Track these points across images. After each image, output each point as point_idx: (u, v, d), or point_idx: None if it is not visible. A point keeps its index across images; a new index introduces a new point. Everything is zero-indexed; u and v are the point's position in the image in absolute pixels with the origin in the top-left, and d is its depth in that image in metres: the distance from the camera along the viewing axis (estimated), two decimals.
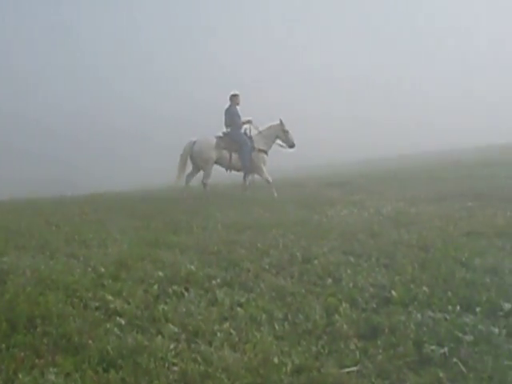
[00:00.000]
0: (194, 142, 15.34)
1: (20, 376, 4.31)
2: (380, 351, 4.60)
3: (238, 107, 15.84)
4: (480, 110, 78.93)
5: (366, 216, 10.52)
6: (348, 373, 4.33)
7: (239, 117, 15.62)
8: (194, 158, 15.31)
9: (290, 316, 5.41)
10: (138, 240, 8.76)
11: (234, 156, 15.28)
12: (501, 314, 5.17)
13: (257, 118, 16.05)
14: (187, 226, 9.93)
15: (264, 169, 15.48)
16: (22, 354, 4.69)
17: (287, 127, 15.67)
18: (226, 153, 15.24)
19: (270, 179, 15.35)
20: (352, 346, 4.73)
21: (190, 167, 15.44)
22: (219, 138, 15.51)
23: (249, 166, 15.40)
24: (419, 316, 5.19)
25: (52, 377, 4.29)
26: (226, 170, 15.65)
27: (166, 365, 4.46)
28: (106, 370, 4.42)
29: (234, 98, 15.94)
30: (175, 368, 4.39)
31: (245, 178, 16.00)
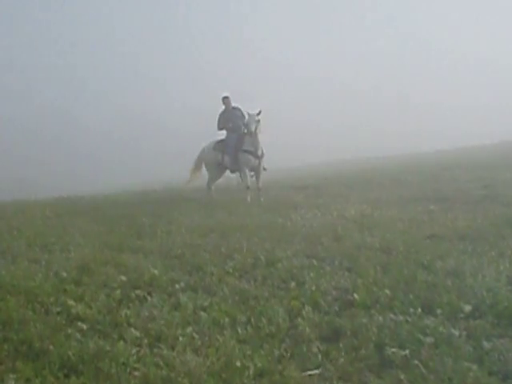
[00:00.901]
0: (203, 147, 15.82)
1: None
2: (342, 354, 4.62)
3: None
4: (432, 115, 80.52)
5: (329, 219, 10.58)
6: (310, 376, 4.35)
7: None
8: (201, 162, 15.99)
9: (253, 319, 5.40)
10: (102, 244, 8.70)
11: (225, 157, 15.34)
12: (461, 316, 5.23)
13: None
14: (151, 230, 9.89)
15: (246, 171, 15.35)
16: None
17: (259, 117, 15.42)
18: (219, 155, 15.36)
19: (247, 184, 15.24)
20: (314, 349, 4.75)
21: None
22: (218, 141, 15.73)
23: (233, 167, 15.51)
24: (381, 319, 5.23)
25: (12, 383, 4.24)
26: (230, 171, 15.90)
27: (128, 370, 4.43)
28: (66, 376, 4.39)
29: (226, 100, 15.92)
30: (137, 373, 4.37)
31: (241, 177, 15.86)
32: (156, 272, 6.86)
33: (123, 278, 6.68)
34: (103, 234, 9.86)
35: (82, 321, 5.41)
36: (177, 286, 6.45)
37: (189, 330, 5.19)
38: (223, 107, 15.96)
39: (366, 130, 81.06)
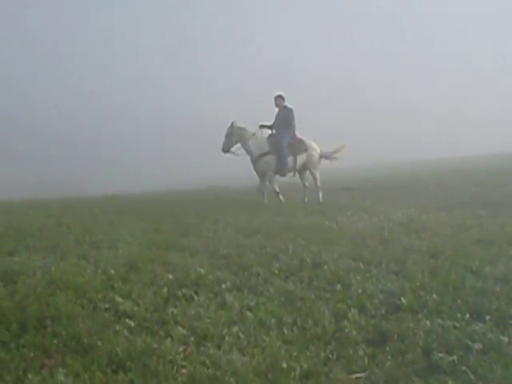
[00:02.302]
0: None
1: (29, 376, 4.34)
2: (388, 358, 4.59)
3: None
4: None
5: (376, 222, 10.51)
6: (356, 379, 4.34)
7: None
8: None
9: (299, 321, 5.41)
10: (148, 242, 8.78)
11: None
12: (511, 322, 5.15)
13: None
14: (197, 230, 9.94)
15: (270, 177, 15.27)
16: (32, 354, 4.71)
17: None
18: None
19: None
20: (360, 352, 4.73)
21: None
22: None
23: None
24: (428, 323, 5.18)
25: (61, 377, 4.30)
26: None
27: (175, 367, 4.46)
28: (114, 372, 4.44)
29: (276, 99, 15.68)
30: (184, 371, 4.40)
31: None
32: (202, 271, 6.89)
33: (170, 276, 6.72)
34: (150, 232, 9.95)
35: (130, 318, 5.46)
36: (223, 285, 6.47)
37: (235, 329, 5.21)
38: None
39: (399, 135, 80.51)
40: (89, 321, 5.33)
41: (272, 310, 5.66)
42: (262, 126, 15.30)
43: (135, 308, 5.69)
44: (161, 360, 4.54)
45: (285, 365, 4.49)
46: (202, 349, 4.83)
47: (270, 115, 15.34)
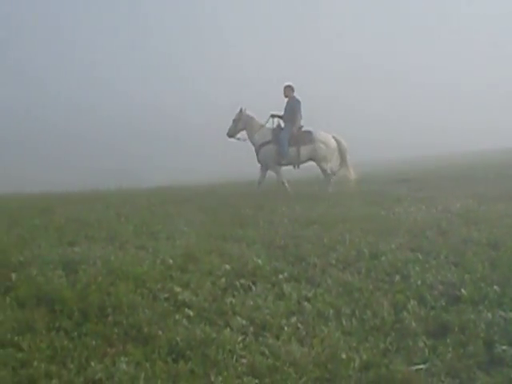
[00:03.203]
0: None
1: (92, 364, 4.43)
2: (449, 350, 4.56)
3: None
4: None
5: (434, 213, 10.36)
6: (417, 370, 4.32)
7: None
8: None
9: (357, 312, 5.41)
10: (206, 233, 8.83)
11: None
12: None
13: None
14: (253, 220, 9.94)
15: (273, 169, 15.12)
16: (94, 342, 4.82)
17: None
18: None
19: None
20: (420, 344, 4.70)
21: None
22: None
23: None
24: (490, 315, 5.12)
25: (123, 366, 4.38)
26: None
27: (235, 357, 4.51)
28: (175, 361, 4.51)
29: (285, 89, 15.41)
30: (244, 360, 4.43)
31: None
32: (260, 262, 6.91)
33: (227, 266, 6.76)
34: (206, 222, 10.00)
35: (189, 307, 5.53)
36: (280, 276, 6.48)
37: (293, 320, 5.24)
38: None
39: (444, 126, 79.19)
40: (149, 310, 5.42)
41: (330, 301, 5.66)
42: (273, 116, 15.13)
43: (194, 298, 5.75)
44: (220, 349, 4.60)
45: (344, 356, 4.50)
46: (260, 339, 4.87)
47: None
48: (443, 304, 5.51)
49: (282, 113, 15.13)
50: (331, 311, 5.41)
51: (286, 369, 4.32)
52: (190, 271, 6.65)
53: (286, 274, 6.53)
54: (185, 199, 13.64)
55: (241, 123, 14.91)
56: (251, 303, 5.61)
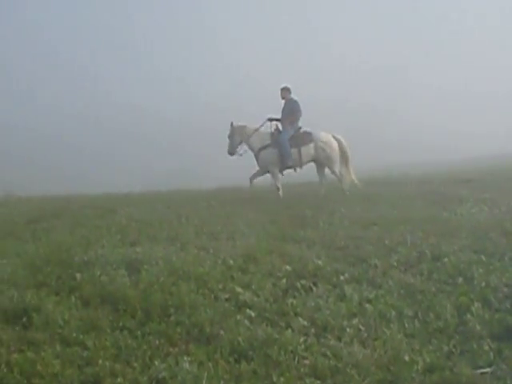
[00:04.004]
0: None
1: (156, 363, 4.49)
2: None
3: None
4: None
5: (497, 214, 10.16)
6: (482, 374, 4.25)
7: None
8: None
9: (420, 314, 5.36)
10: (265, 234, 8.86)
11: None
12: None
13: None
14: (313, 221, 9.92)
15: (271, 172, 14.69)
16: (157, 341, 4.89)
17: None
18: None
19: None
20: (485, 347, 4.63)
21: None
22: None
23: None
24: None
25: (186, 365, 4.43)
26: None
27: (296, 358, 4.52)
28: (237, 361, 4.54)
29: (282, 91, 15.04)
30: (306, 361, 4.43)
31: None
32: (320, 263, 6.90)
33: (288, 267, 6.77)
34: (266, 223, 10.00)
35: (250, 308, 5.56)
36: (341, 277, 6.46)
37: (355, 321, 5.22)
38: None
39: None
40: (210, 310, 5.47)
41: (392, 303, 5.62)
42: (270, 119, 14.87)
43: (255, 298, 5.78)
44: (282, 350, 4.61)
45: (407, 358, 4.47)
46: (322, 340, 4.87)
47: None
48: (508, 307, 5.42)
49: (279, 115, 14.84)
50: (393, 313, 5.37)
51: (349, 370, 4.31)
52: (250, 272, 6.69)
53: (346, 276, 6.50)
54: (243, 199, 13.68)
55: (236, 136, 14.63)
56: (312, 304, 5.61)
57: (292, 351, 4.61)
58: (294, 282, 6.31)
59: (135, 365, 4.52)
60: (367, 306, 5.58)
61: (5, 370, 4.40)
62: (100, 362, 4.52)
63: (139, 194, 15.86)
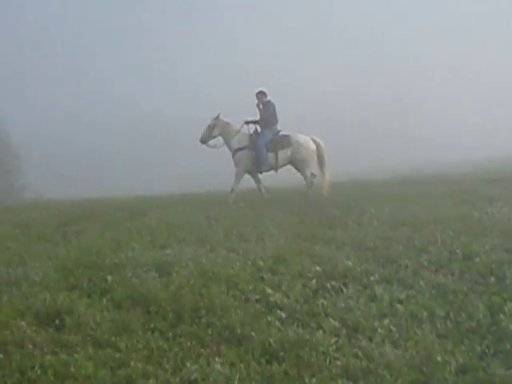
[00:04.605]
0: None
1: (188, 364, 4.51)
2: None
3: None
4: None
5: None
6: None
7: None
8: None
9: (451, 314, 5.31)
10: (294, 235, 8.84)
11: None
12: None
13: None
14: (342, 222, 9.89)
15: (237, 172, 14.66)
16: (189, 343, 4.91)
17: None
18: None
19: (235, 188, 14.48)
20: None
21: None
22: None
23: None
24: None
25: (218, 366, 4.45)
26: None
27: (328, 359, 4.51)
28: (268, 362, 4.55)
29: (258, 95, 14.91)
30: (338, 362, 4.43)
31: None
32: (350, 263, 6.88)
33: (318, 268, 6.76)
34: (295, 224, 9.99)
35: (281, 309, 5.57)
36: (371, 277, 6.44)
37: (386, 322, 5.19)
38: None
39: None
40: (241, 312, 5.48)
41: (423, 303, 5.58)
42: (247, 122, 14.72)
43: (285, 299, 5.79)
44: (313, 351, 4.61)
45: (439, 358, 4.44)
46: (353, 341, 4.86)
47: None
48: None
49: (256, 118, 14.79)
50: (425, 313, 5.33)
51: (381, 371, 4.29)
52: (280, 273, 6.69)
53: (376, 276, 6.48)
54: (272, 200, 13.69)
55: (216, 129, 14.51)
56: (343, 305, 5.60)
57: (323, 352, 4.61)
58: (324, 282, 6.30)
59: (167, 366, 4.55)
60: (398, 306, 5.55)
61: (39, 372, 4.46)
62: (132, 363, 4.56)
63: (168, 197, 15.93)
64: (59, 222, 11.35)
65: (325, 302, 5.68)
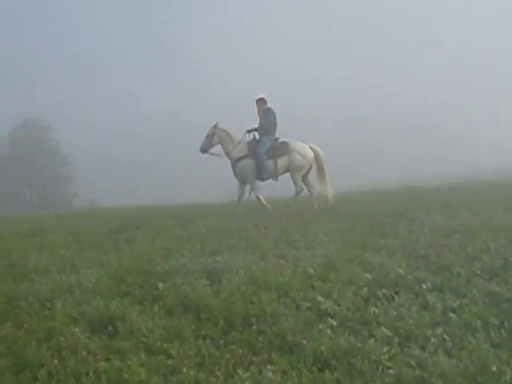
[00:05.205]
0: None
1: (239, 372, 4.51)
2: None
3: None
4: None
5: None
6: None
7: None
8: None
9: (506, 323, 5.23)
10: (344, 242, 8.80)
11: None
12: None
13: None
14: (392, 229, 9.81)
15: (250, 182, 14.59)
16: (240, 350, 4.91)
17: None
18: None
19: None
20: None
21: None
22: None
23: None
24: None
25: (269, 374, 4.45)
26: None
27: (380, 368, 4.47)
28: (320, 370, 4.53)
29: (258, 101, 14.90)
30: (390, 371, 4.38)
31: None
32: (401, 271, 6.82)
33: (368, 276, 6.72)
34: (344, 231, 9.95)
35: (332, 317, 5.54)
36: (423, 285, 6.36)
37: (439, 330, 5.13)
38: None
39: None
40: (292, 319, 5.48)
41: (477, 312, 5.50)
42: (249, 131, 14.61)
43: (336, 307, 5.76)
44: (366, 360, 4.57)
45: (494, 368, 4.37)
46: (406, 350, 4.80)
47: None
48: None
49: (256, 126, 14.69)
50: (478, 322, 5.25)
51: (434, 381, 4.25)
52: (331, 280, 6.66)
53: (429, 284, 6.40)
54: (322, 208, 13.65)
55: (215, 138, 14.46)
56: (395, 313, 5.55)
57: (376, 361, 4.57)
58: (376, 290, 6.25)
59: (219, 374, 4.56)
60: (451, 315, 5.48)
61: (93, 378, 4.51)
62: (184, 370, 4.58)
63: (216, 205, 15.99)
64: (110, 229, 11.49)
65: (376, 310, 5.63)
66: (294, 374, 4.44)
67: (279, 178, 14.46)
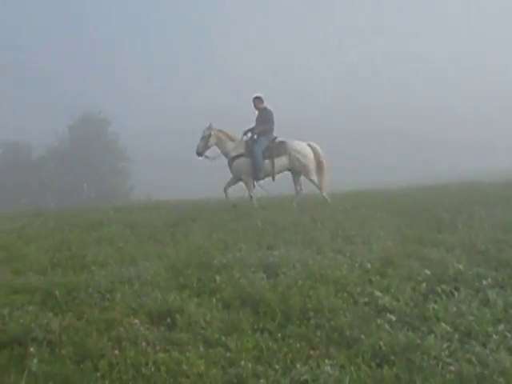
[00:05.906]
0: None
1: (297, 366, 4.52)
2: None
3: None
4: None
5: None
6: None
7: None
8: None
9: None
10: (402, 237, 8.72)
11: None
12: None
13: None
14: (451, 224, 9.64)
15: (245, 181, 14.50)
16: (298, 344, 4.92)
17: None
18: None
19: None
20: None
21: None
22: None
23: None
24: None
25: (327, 368, 4.44)
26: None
27: (440, 364, 4.41)
28: (379, 366, 4.50)
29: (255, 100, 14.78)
30: (451, 368, 4.32)
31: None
32: (461, 267, 6.70)
33: (427, 271, 6.63)
34: (402, 226, 9.84)
35: (390, 312, 5.50)
36: (484, 281, 6.24)
37: (500, 327, 5.04)
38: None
39: None
40: (350, 314, 5.46)
41: None
42: (246, 132, 14.50)
43: (394, 303, 5.71)
44: (425, 356, 4.52)
45: None
46: (466, 346, 4.73)
47: None
48: None
49: (253, 125, 14.59)
50: None
51: (496, 378, 4.18)
52: (388, 275, 6.62)
53: (489, 280, 6.28)
54: (378, 202, 13.54)
55: (212, 139, 14.32)
56: (454, 309, 5.46)
57: (435, 357, 4.52)
58: (434, 286, 6.17)
59: (277, 367, 4.57)
60: None
61: (152, 369, 4.57)
62: (242, 363, 4.61)
63: (272, 198, 15.96)
64: (168, 222, 11.62)
65: (435, 306, 5.56)
66: (352, 368, 4.42)
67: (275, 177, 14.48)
